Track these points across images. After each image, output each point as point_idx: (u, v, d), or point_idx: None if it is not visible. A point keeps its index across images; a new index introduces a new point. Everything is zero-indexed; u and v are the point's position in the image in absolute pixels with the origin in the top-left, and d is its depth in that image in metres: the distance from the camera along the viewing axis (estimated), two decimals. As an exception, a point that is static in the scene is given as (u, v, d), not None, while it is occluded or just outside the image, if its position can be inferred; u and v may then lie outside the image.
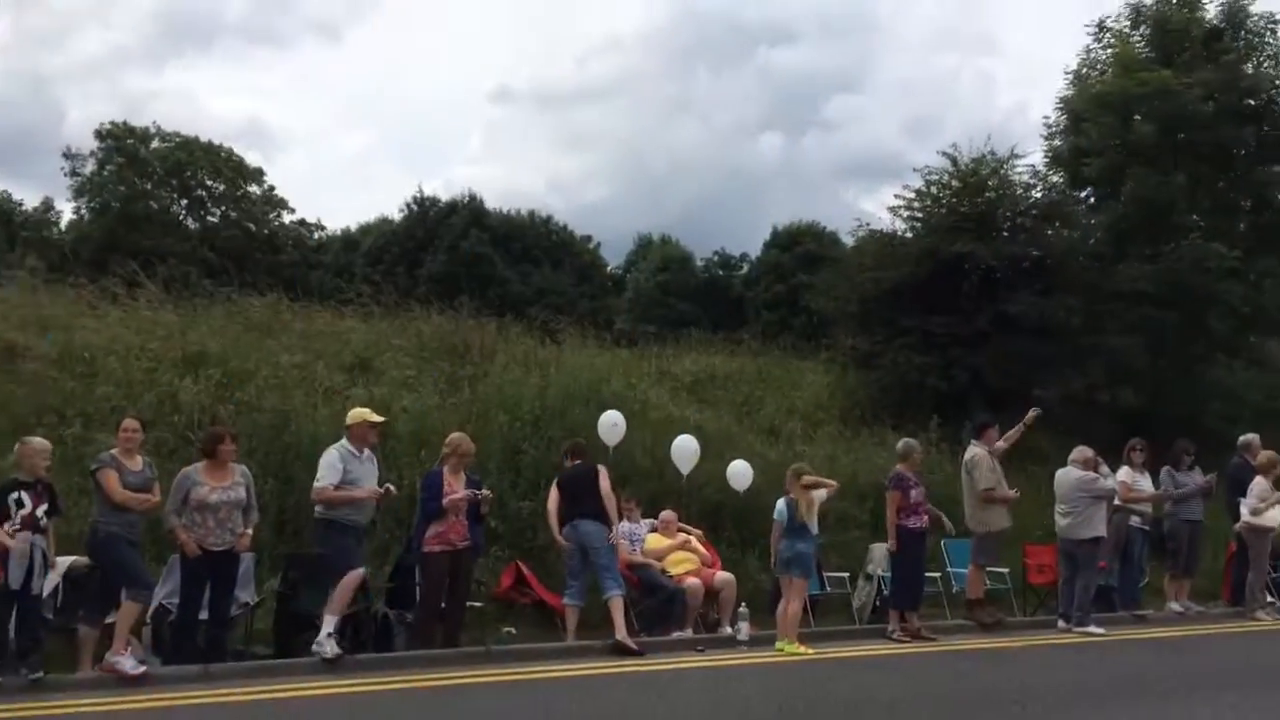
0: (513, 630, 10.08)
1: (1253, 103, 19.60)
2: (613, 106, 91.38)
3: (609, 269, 47.44)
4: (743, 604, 10.34)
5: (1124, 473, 12.39)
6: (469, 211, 41.75)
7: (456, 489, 9.21)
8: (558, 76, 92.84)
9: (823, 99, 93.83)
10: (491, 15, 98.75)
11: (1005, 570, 12.16)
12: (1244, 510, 12.48)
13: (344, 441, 8.94)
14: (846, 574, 11.93)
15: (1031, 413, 12.00)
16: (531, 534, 11.26)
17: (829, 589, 11.75)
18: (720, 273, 42.89)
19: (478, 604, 9.59)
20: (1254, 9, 20.08)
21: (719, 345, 20.61)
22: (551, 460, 11.96)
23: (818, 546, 10.53)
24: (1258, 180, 19.91)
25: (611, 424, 12.01)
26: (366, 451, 8.98)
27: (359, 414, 9.07)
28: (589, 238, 46.88)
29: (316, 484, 8.67)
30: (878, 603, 11.40)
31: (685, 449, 12.14)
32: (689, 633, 10.19)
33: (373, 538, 10.20)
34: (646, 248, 45.68)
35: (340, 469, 8.66)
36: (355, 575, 8.58)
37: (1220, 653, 10.48)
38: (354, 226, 46.13)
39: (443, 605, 9.15)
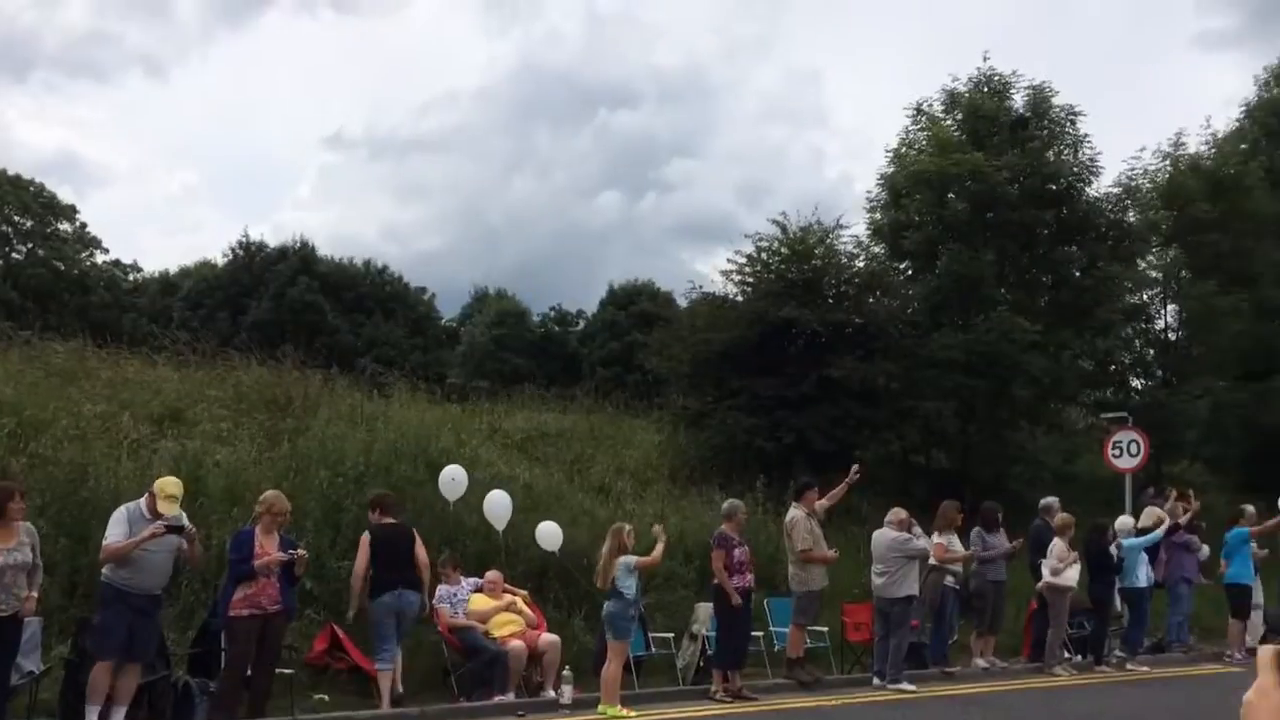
0: (325, 698, 9.64)
1: (1054, 187, 21.05)
2: (450, 159, 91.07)
3: (443, 321, 46.86)
4: (566, 667, 10.20)
5: (940, 535, 12.89)
6: (298, 258, 40.57)
7: (269, 550, 8.78)
8: (394, 125, 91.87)
9: (661, 161, 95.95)
10: (325, 61, 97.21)
11: (824, 629, 12.43)
12: (1044, 570, 13.16)
13: (140, 502, 8.39)
14: (671, 634, 11.94)
15: (853, 471, 12.38)
16: (349, 595, 10.84)
17: (654, 649, 11.73)
18: (556, 329, 42.94)
19: (288, 670, 9.13)
20: (1056, 101, 21.67)
21: (552, 402, 20.58)
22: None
23: (639, 606, 10.50)
24: (1057, 259, 21.32)
25: (450, 479, 11.75)
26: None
27: (163, 484, 8.46)
28: (424, 289, 46.28)
29: (105, 542, 8.12)
30: (701, 663, 11.45)
31: (498, 505, 11.95)
32: (510, 697, 9.97)
33: (176, 601, 9.62)
34: (482, 301, 45.39)
35: (126, 530, 8.10)
36: (101, 669, 7.92)
37: (1022, 707, 10.95)
38: (173, 269, 44.20)
39: (248, 673, 8.67)
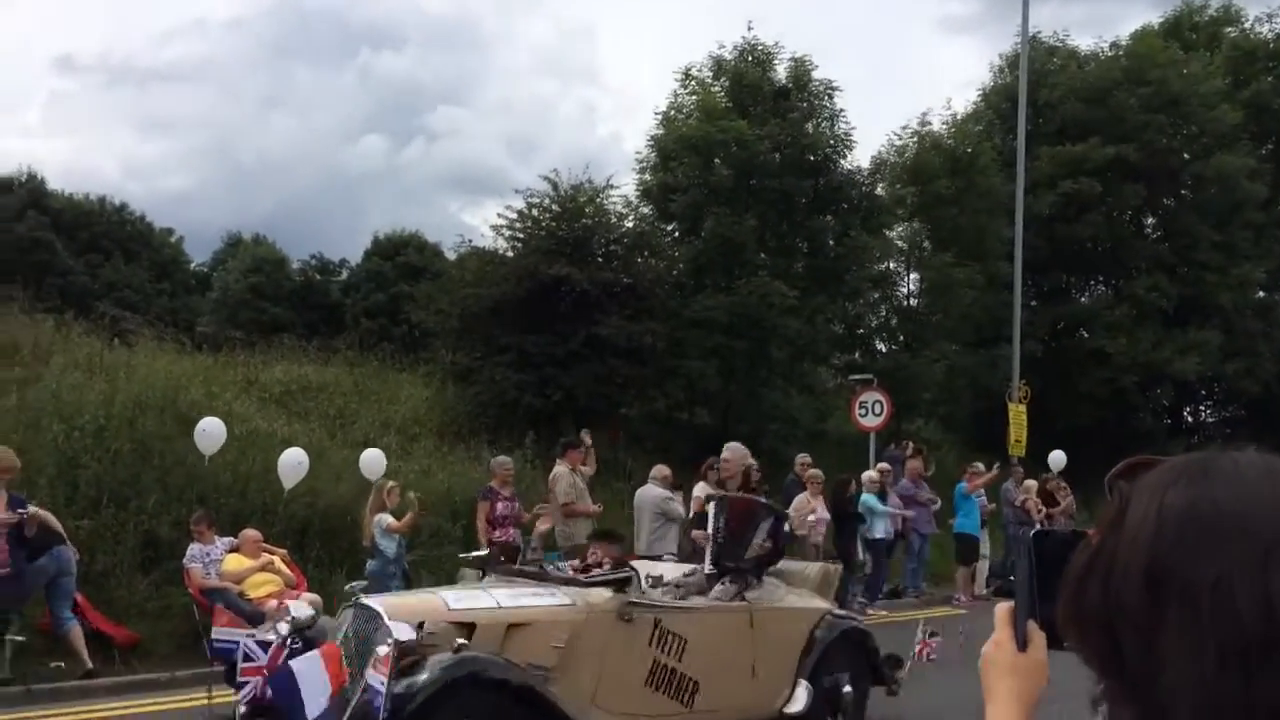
0: (61, 665, 9.00)
1: (812, 158, 22.05)
2: (197, 91, 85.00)
3: (193, 266, 44.09)
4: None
5: (700, 489, 13.32)
6: (26, 191, 37.02)
7: (-5, 509, 8.07)
8: (133, 51, 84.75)
9: (427, 108, 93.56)
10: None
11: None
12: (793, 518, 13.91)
13: None
14: (437, 591, 11.84)
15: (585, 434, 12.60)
16: (89, 558, 10.13)
17: (419, 607, 11.60)
18: (318, 277, 41.25)
19: (19, 638, 8.46)
20: (815, 75, 22.64)
21: (313, 354, 19.81)
22: (118, 475, 10.86)
23: (404, 563, 10.38)
24: (814, 228, 22.39)
25: (203, 430, 11.16)
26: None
27: None
28: (170, 230, 43.33)
29: None
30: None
31: (292, 465, 11.52)
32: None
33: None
34: (236, 247, 42.97)
35: None
36: None
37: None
38: (-124, 198, 39.25)
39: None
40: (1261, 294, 28.14)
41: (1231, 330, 26.19)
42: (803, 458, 15.28)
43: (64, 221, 37.06)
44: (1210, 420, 31.65)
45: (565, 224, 19.36)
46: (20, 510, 8.23)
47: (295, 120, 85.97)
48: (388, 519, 9.68)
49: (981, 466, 17.34)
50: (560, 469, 12.05)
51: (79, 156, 72.36)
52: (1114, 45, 29.63)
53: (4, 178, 37.33)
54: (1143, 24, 33.82)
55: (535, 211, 19.71)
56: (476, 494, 11.17)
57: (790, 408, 21.27)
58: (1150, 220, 29.40)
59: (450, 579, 11.89)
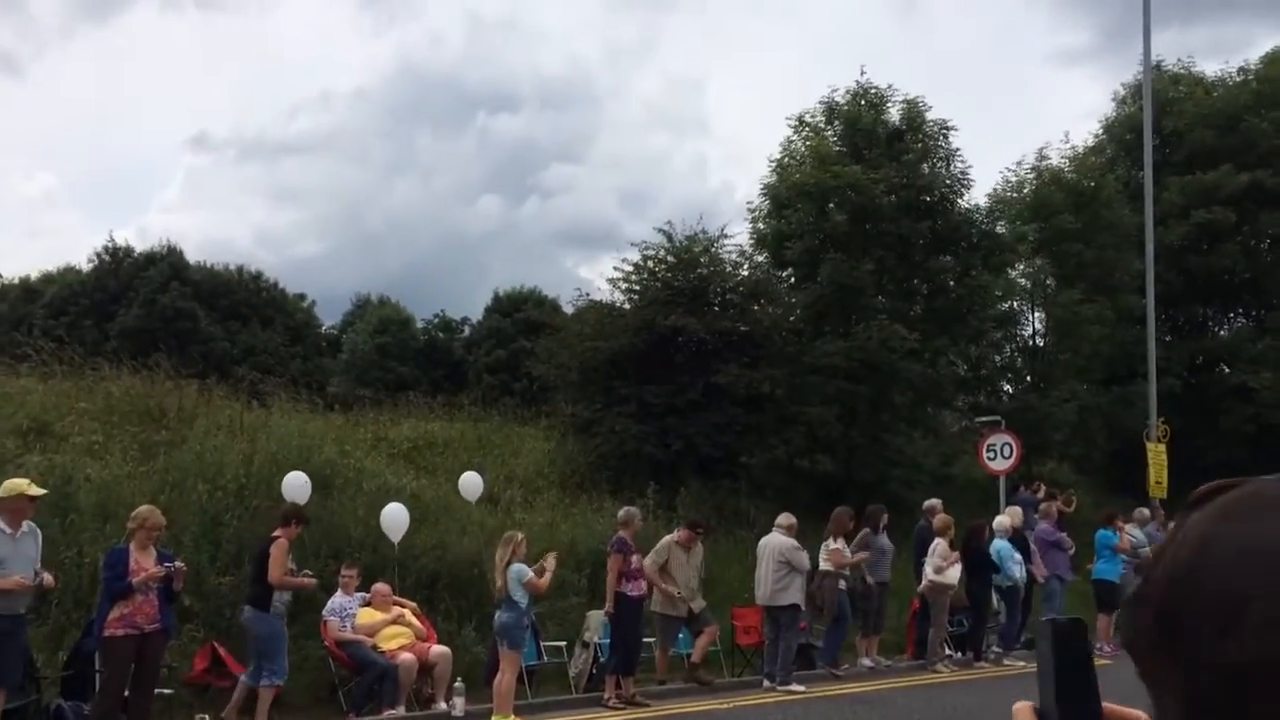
0: (206, 717, 9.31)
1: (928, 199, 21.75)
2: (324, 162, 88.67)
3: (323, 329, 45.72)
4: (458, 679, 10.08)
5: (834, 541, 13.10)
6: (168, 264, 39.03)
7: (145, 566, 8.44)
8: (262, 126, 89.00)
9: (541, 167, 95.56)
10: (190, 60, 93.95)
11: (715, 627, 12.57)
12: (928, 570, 13.56)
13: (-2, 520, 7.98)
14: (564, 642, 11.90)
15: None
16: (230, 612, 10.50)
17: (546, 658, 11.67)
18: (441, 335, 42.36)
19: (168, 690, 8.81)
20: (929, 115, 22.41)
21: (438, 410, 20.28)
22: (257, 531, 11.26)
23: (531, 615, 10.45)
24: (932, 269, 22.03)
25: (301, 484, 11.45)
26: (25, 527, 8.06)
27: (12, 485, 8.13)
28: (302, 295, 45.09)
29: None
30: (594, 670, 11.45)
31: (395, 518, 11.79)
32: (401, 710, 9.80)
33: (46, 621, 9.17)
34: (364, 308, 44.44)
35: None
36: None
37: (906, 704, 11.26)
38: (34, 275, 42.02)
39: (126, 694, 8.32)
40: None
41: (1388, 361, 24.66)
42: (933, 503, 14.90)
43: (203, 291, 38.95)
44: (1369, 456, 29.72)
45: (680, 274, 19.50)
46: (168, 564, 8.58)
47: (417, 185, 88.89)
48: (527, 572, 9.78)
49: (1147, 512, 16.74)
50: (667, 538, 12.22)
51: (215, 229, 76.14)
52: (1242, 69, 28.54)
53: (148, 253, 39.54)
54: (1273, 46, 32.44)
55: (650, 263, 19.91)
56: (608, 546, 11.20)
57: (914, 452, 20.82)
58: (1292, 248, 28.03)
59: (576, 630, 11.96)
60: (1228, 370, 25.26)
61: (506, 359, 34.66)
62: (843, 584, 13.00)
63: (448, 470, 16.66)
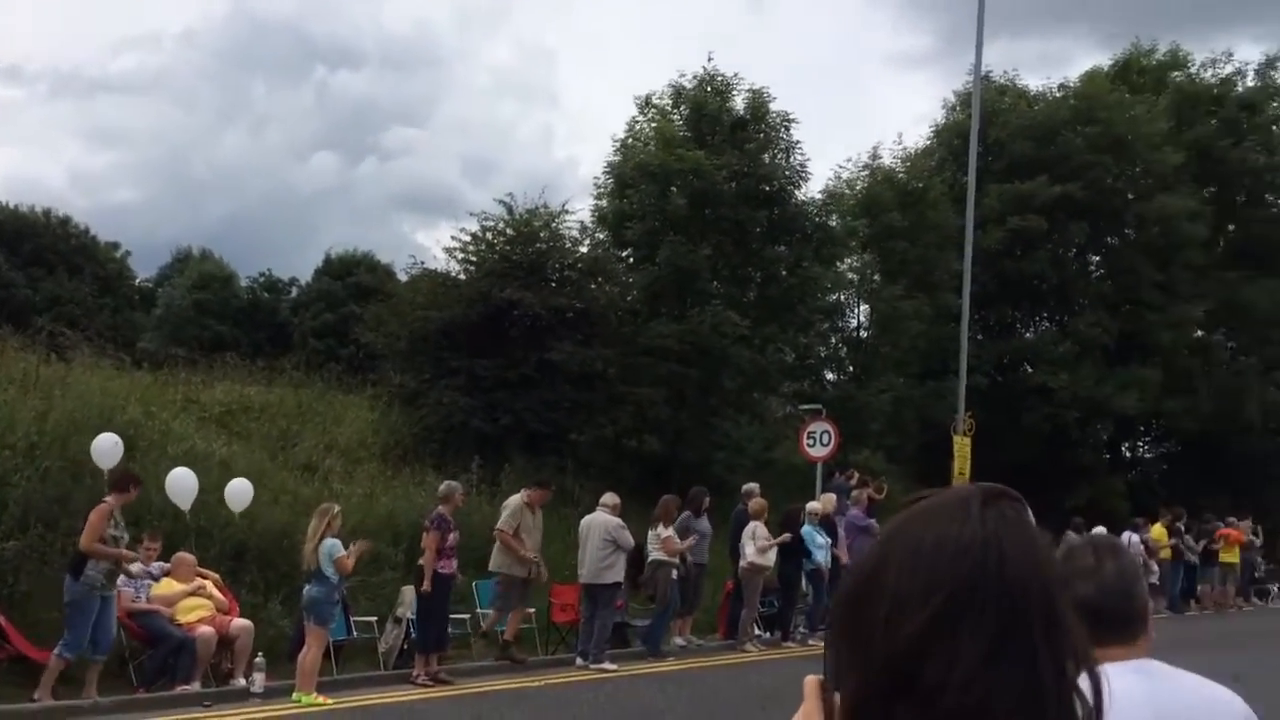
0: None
1: (767, 189, 22.18)
2: (148, 104, 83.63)
3: (137, 281, 43.29)
4: (259, 654, 9.72)
5: (663, 528, 13.14)
6: (-33, 202, 36.22)
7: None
8: (81, 61, 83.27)
9: (381, 127, 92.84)
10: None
11: (532, 610, 12.54)
12: (748, 551, 13.83)
13: None
14: (375, 618, 11.63)
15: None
16: (13, 578, 9.81)
17: (356, 634, 11.38)
18: (266, 295, 40.73)
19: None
20: (773, 107, 22.81)
21: (257, 373, 19.47)
22: (47, 493, 10.56)
23: (342, 590, 10.16)
24: (767, 258, 22.51)
25: (105, 446, 10.77)
26: None
27: None
28: (116, 244, 42.54)
29: None
30: (404, 647, 11.24)
31: (182, 484, 11.18)
32: (196, 686, 9.38)
33: None
34: (183, 262, 42.30)
35: None
36: None
37: (714, 682, 11.51)
38: None
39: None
40: (1200, 333, 28.70)
41: (1170, 368, 26.66)
42: (751, 486, 15.24)
43: (5, 234, 36.30)
44: (1148, 456, 32.17)
45: (519, 248, 19.29)
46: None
47: (247, 135, 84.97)
48: (338, 548, 9.47)
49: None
50: (515, 498, 12.06)
51: (23, 167, 70.95)
52: (1063, 86, 30.23)
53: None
54: (1092, 65, 34.54)
55: (489, 235, 19.62)
56: (427, 521, 10.97)
57: (739, 436, 21.26)
58: (1094, 258, 29.94)
59: (390, 605, 11.71)
60: (1030, 370, 26.81)
61: (335, 323, 33.61)
62: (675, 573, 13.09)
63: (263, 436, 16.05)
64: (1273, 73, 32.04)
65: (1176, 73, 33.03)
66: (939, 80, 64.44)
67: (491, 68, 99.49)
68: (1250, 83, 32.07)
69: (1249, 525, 22.96)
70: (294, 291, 40.70)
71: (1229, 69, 32.36)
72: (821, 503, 15.79)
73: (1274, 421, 29.20)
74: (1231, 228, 31.46)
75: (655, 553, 12.88)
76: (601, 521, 12.18)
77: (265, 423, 16.61)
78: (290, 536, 11.55)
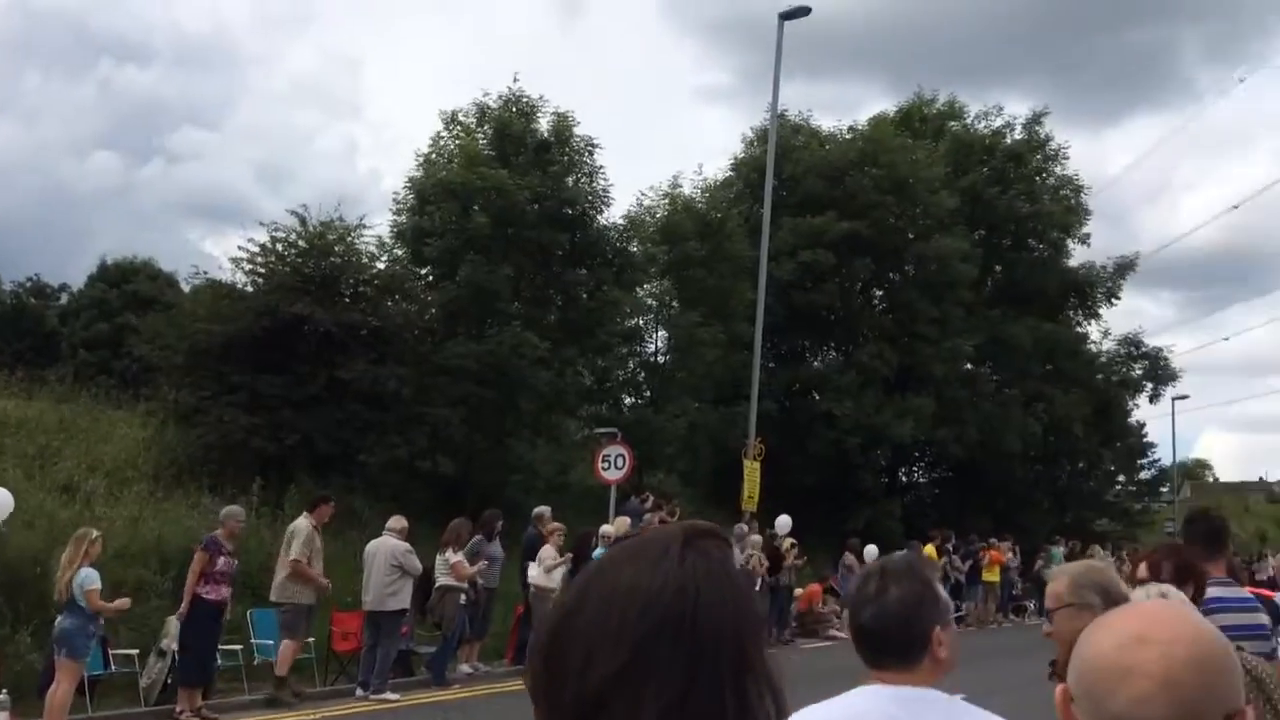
0: None
1: (570, 212, 22.34)
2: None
3: (-114, 280, 39.34)
4: (3, 689, 8.92)
5: (452, 553, 12.87)
6: None
7: None
8: None
9: (169, 128, 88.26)
10: None
11: (310, 640, 12.04)
12: (533, 573, 13.76)
13: None
14: (137, 651, 10.89)
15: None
16: None
17: (115, 668, 10.63)
18: (32, 301, 37.80)
19: None
20: (578, 131, 23.02)
21: (16, 385, 18.02)
22: None
23: (99, 621, 9.47)
24: (568, 280, 22.62)
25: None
26: None
27: None
28: None
29: None
30: (169, 680, 10.57)
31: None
32: (-75, 731, 8.52)
33: None
34: (-62, 261, 38.77)
35: None
36: None
37: (503, 708, 11.34)
38: None
39: None
40: (969, 366, 30.68)
41: (942, 398, 28.38)
42: (542, 510, 15.20)
43: None
44: (922, 481, 34.10)
45: (311, 261, 18.67)
46: None
47: (18, 128, 78.96)
48: (94, 578, 8.81)
49: (744, 527, 17.97)
50: (303, 522, 11.50)
51: None
52: (852, 129, 31.85)
53: None
54: (879, 111, 36.55)
55: (280, 246, 18.89)
56: (199, 543, 10.37)
57: (534, 459, 21.21)
58: (878, 293, 31.58)
59: (155, 636, 11.00)
60: (818, 398, 27.97)
61: (109, 334, 31.51)
62: (463, 598, 12.85)
63: (19, 454, 14.85)
64: (1037, 128, 34.85)
65: (953, 122, 35.41)
66: (739, 115, 66.77)
67: (292, 73, 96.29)
68: (1018, 136, 34.77)
69: (1008, 546, 24.67)
70: (64, 298, 38.00)
71: (999, 122, 35.02)
72: (615, 526, 15.89)
73: (1033, 450, 31.54)
74: (999, 269, 33.90)
75: (444, 578, 12.63)
76: (387, 546, 11.86)
77: (22, 439, 15.37)
78: (44, 563, 10.69)
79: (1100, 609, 3.10)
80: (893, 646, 2.13)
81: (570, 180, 22.68)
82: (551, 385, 20.86)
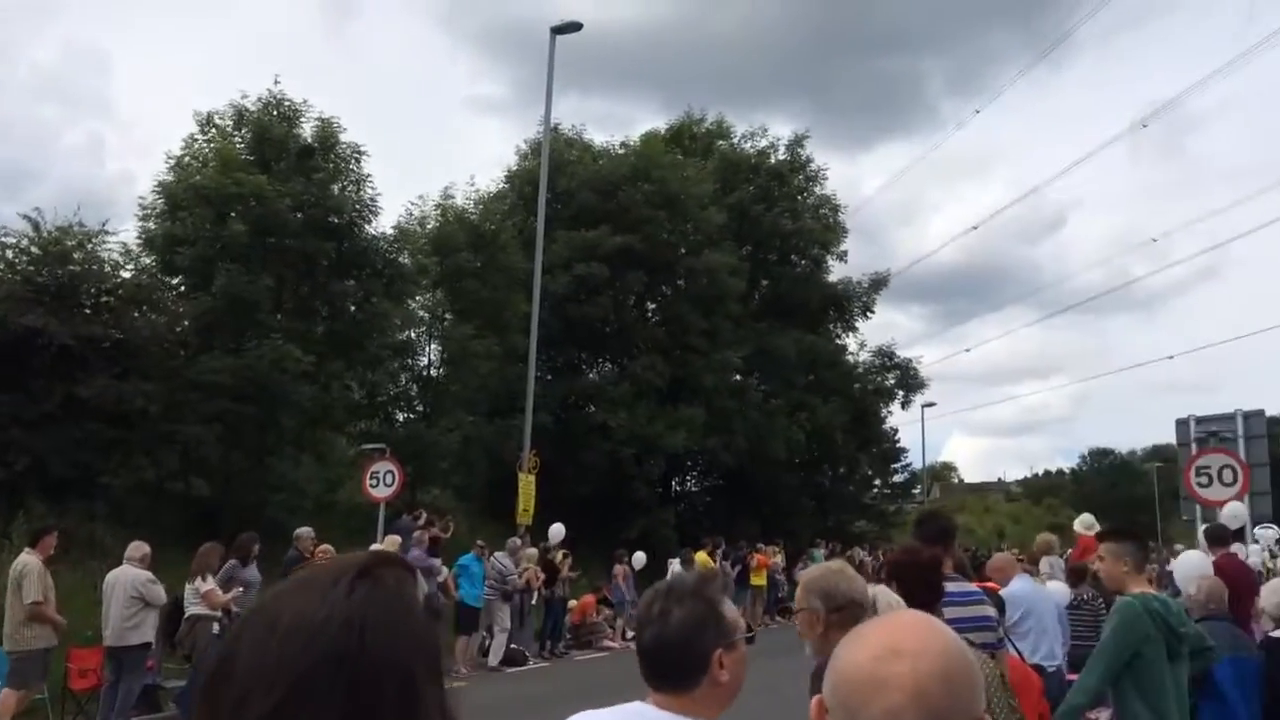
0: None
1: (336, 221, 21.57)
2: None
3: None
4: None
5: (202, 581, 12.04)
6: None
7: None
8: None
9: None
10: None
11: (43, 682, 11.01)
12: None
13: None
14: None
15: None
16: None
17: None
18: None
19: None
20: (343, 137, 22.29)
21: None
22: None
23: None
24: (335, 292, 21.83)
25: None
26: None
27: None
28: None
29: None
30: None
31: None
32: None
33: None
34: None
35: None
36: None
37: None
38: None
39: None
40: (738, 377, 31.75)
41: (712, 408, 29.24)
42: (303, 531, 14.54)
43: None
44: (694, 489, 35.02)
45: (45, 269, 17.22)
46: None
47: None
48: None
49: (518, 541, 17.72)
50: (30, 559, 10.43)
51: None
52: (624, 144, 32.42)
53: None
54: (650, 128, 37.41)
55: (9, 253, 17.35)
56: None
57: (299, 478, 20.32)
58: (651, 305, 32.24)
59: None
60: (593, 409, 28.21)
61: None
62: (217, 627, 12.06)
63: None
64: (799, 150, 36.60)
65: (722, 141, 36.69)
66: (514, 127, 66.90)
67: (34, 65, 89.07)
68: (781, 156, 36.40)
69: (774, 550, 25.63)
70: None
71: (764, 142, 36.57)
72: (385, 544, 15.40)
73: (797, 456, 32.97)
74: (765, 283, 35.34)
75: (194, 607, 11.83)
76: (127, 576, 10.99)
77: None
78: None
79: (822, 612, 3.23)
80: (670, 669, 2.13)
81: (336, 188, 21.93)
82: (316, 400, 20.06)
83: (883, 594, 3.67)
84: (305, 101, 22.24)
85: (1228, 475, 13.43)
